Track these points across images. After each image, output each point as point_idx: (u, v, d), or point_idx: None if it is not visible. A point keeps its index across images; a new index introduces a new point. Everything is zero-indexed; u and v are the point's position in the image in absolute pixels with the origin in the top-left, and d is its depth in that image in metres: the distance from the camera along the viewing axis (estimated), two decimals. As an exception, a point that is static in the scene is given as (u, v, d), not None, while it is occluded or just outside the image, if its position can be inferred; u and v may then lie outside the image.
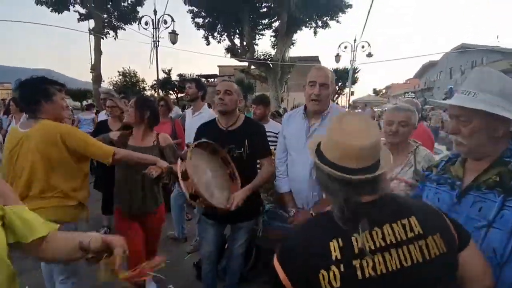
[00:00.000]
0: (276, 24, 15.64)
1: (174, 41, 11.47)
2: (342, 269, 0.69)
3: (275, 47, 15.60)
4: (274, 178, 2.04)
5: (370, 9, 11.19)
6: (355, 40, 14.12)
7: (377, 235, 0.72)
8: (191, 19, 15.66)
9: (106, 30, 18.11)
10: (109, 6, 17.46)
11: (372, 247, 0.71)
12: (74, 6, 16.72)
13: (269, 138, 2.10)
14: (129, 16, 17.75)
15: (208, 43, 16.46)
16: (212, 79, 26.65)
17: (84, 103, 21.26)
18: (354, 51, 14.22)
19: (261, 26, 16.35)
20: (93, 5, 15.98)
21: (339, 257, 0.70)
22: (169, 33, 11.23)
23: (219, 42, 16.53)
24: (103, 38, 17.75)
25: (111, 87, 21.90)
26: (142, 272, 0.96)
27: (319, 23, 15.12)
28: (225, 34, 16.19)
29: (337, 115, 0.83)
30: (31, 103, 1.64)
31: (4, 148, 1.72)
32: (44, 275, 1.96)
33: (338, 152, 0.75)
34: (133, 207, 2.07)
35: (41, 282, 2.04)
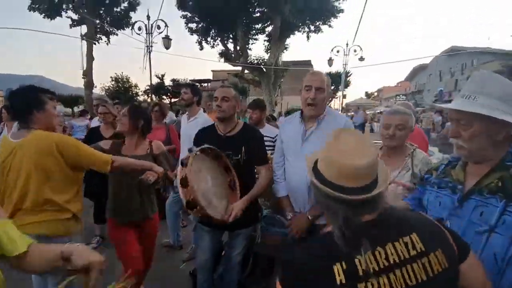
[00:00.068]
0: (269, 29, 15.78)
1: (167, 46, 11.44)
2: None
3: (269, 51, 15.72)
4: (271, 183, 2.03)
5: (362, 14, 11.39)
6: (347, 44, 14.33)
7: (380, 255, 0.71)
8: (185, 24, 15.70)
9: (98, 35, 18.01)
10: (101, 12, 17.38)
11: (376, 268, 0.69)
12: (66, 12, 16.64)
13: (265, 143, 2.09)
14: (122, 21, 17.70)
15: (202, 48, 16.51)
16: (206, 84, 26.66)
17: (76, 109, 21.01)
18: (346, 55, 14.40)
19: (254, 31, 16.47)
20: (85, 10, 15.90)
21: (343, 281, 0.68)
22: (163, 38, 11.21)
23: (212, 47, 16.62)
24: (95, 44, 17.64)
25: (103, 93, 21.69)
26: None
27: (312, 27, 15.33)
28: (219, 39, 16.25)
29: (333, 132, 0.82)
30: (24, 113, 1.60)
31: None
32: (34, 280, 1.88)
33: (336, 171, 0.74)
34: (132, 214, 2.05)
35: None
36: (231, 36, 16.16)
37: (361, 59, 14.39)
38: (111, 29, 17.61)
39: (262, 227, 2.06)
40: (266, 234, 2.01)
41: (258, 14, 15.48)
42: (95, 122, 4.50)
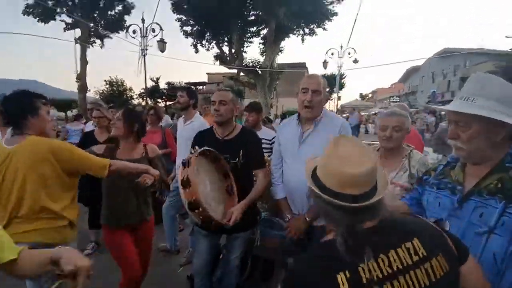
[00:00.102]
0: (264, 31, 15.83)
1: (162, 50, 11.43)
2: None
3: (264, 54, 15.77)
4: (270, 186, 2.02)
5: (356, 18, 11.53)
6: (341, 47, 14.47)
7: (384, 262, 0.70)
8: (180, 27, 15.67)
9: (92, 39, 17.90)
10: (95, 15, 17.29)
11: (380, 276, 0.69)
12: (60, 16, 16.54)
13: (262, 145, 2.09)
14: (117, 24, 17.62)
15: (197, 51, 16.47)
16: (201, 87, 26.60)
17: (69, 113, 20.79)
18: (340, 57, 14.54)
19: (249, 34, 16.51)
20: (79, 14, 15.81)
21: None
22: (158, 41, 11.19)
23: (207, 49, 16.58)
24: (89, 47, 17.53)
25: (97, 97, 21.52)
26: None
27: (306, 30, 15.42)
28: (214, 42, 16.25)
29: (331, 139, 0.82)
30: (18, 118, 1.58)
31: None
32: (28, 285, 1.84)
33: (335, 179, 0.74)
34: (129, 217, 2.03)
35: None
36: (226, 39, 16.18)
37: (355, 61, 14.54)
38: (105, 33, 17.51)
39: (261, 230, 2.05)
40: (264, 237, 2.00)
41: (253, 18, 15.53)
42: (89, 126, 4.45)
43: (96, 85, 28.82)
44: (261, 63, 15.52)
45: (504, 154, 0.97)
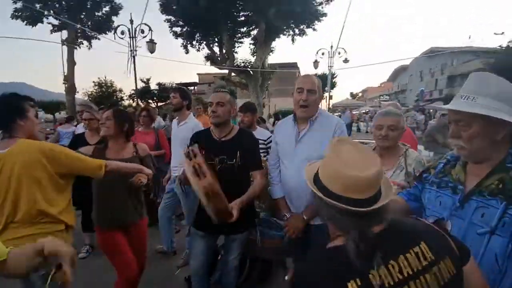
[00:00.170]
0: (254, 32, 15.82)
1: (152, 50, 11.28)
2: None
3: (255, 54, 15.76)
4: (267, 185, 2.03)
5: (345, 20, 11.66)
6: (331, 47, 14.61)
7: (394, 268, 0.69)
8: (169, 28, 15.52)
9: (79, 40, 17.58)
10: (82, 16, 16.98)
11: (391, 283, 0.68)
12: (47, 18, 16.24)
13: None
14: (104, 25, 17.34)
15: (187, 52, 16.35)
16: (192, 87, 26.40)
17: (57, 115, 20.33)
18: (331, 57, 14.68)
19: (239, 34, 16.48)
20: (66, 15, 15.53)
21: None
22: (147, 42, 11.05)
23: (198, 50, 16.47)
24: (76, 48, 17.21)
25: (86, 98, 21.12)
26: None
27: (296, 31, 15.48)
28: (204, 42, 16.15)
29: (332, 143, 0.81)
30: (7, 121, 1.55)
31: None
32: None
33: (341, 183, 0.72)
34: (125, 217, 2.02)
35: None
36: (216, 39, 16.10)
37: (346, 61, 14.70)
38: (92, 34, 17.21)
39: (259, 230, 2.05)
40: (263, 237, 2.00)
41: (243, 18, 15.51)
42: (80, 129, 4.36)
43: (84, 87, 28.20)
44: (252, 63, 15.51)
45: (505, 153, 0.97)
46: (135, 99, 13.31)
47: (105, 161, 1.74)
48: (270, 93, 21.57)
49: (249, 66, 15.51)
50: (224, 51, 15.93)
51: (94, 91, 22.61)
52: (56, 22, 16.45)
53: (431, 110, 15.63)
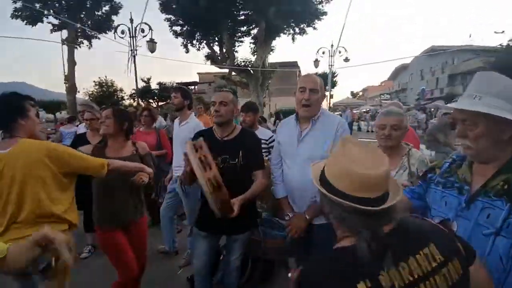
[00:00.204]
0: (254, 31, 15.80)
1: (152, 50, 11.28)
2: None
3: (255, 53, 15.74)
4: (270, 186, 2.02)
5: (345, 18, 11.64)
6: (332, 46, 14.58)
7: (404, 270, 0.69)
8: (169, 27, 15.50)
9: (79, 39, 17.58)
10: (82, 16, 16.98)
11: (401, 284, 0.67)
12: (47, 18, 16.24)
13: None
14: (104, 25, 17.34)
15: (188, 51, 16.33)
16: (193, 87, 26.39)
17: (58, 114, 20.35)
18: (331, 56, 14.65)
19: (239, 34, 16.45)
20: (66, 15, 15.53)
21: None
22: (147, 41, 11.04)
23: (198, 49, 16.45)
24: (76, 48, 17.21)
25: (86, 98, 21.13)
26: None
27: (297, 30, 15.45)
28: (204, 41, 16.13)
29: (339, 142, 0.80)
30: (8, 121, 1.54)
31: None
32: None
33: (353, 182, 0.71)
34: (126, 216, 2.03)
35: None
36: (216, 38, 16.08)
37: (346, 59, 14.68)
38: (92, 33, 17.21)
39: (262, 230, 2.05)
40: (265, 237, 2.00)
41: (243, 17, 15.47)
42: (81, 129, 4.36)
43: (85, 86, 28.21)
44: (252, 62, 15.50)
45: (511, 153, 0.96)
46: (136, 99, 13.32)
47: (108, 160, 1.74)
48: (270, 92, 21.56)
49: (250, 65, 15.50)
50: (224, 50, 15.90)
51: (95, 90, 22.62)
52: (56, 21, 16.46)
53: (432, 109, 15.60)
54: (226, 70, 17.17)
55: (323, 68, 19.48)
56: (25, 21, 15.84)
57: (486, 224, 0.95)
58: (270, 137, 3.01)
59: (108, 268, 2.09)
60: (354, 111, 21.45)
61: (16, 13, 15.67)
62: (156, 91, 24.05)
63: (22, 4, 14.83)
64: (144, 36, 10.82)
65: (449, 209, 1.07)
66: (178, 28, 15.52)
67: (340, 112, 17.48)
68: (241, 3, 14.25)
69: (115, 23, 14.91)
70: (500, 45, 16.68)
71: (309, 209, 1.80)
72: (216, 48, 16.34)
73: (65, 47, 16.49)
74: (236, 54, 16.09)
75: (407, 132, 1.79)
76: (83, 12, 16.88)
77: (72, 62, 16.67)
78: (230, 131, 1.94)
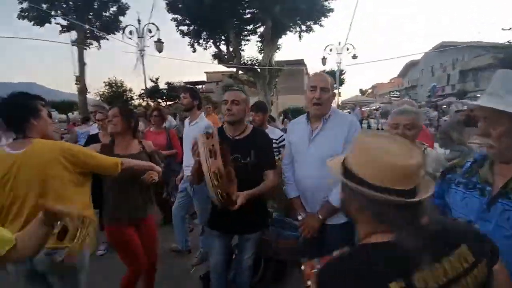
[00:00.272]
0: (261, 29, 15.76)
1: (160, 50, 11.38)
2: None
3: (262, 52, 15.71)
4: (281, 185, 2.02)
5: (353, 15, 11.50)
6: (339, 43, 14.44)
7: (438, 270, 0.66)
8: (176, 27, 15.59)
9: (88, 40, 17.84)
10: (90, 17, 17.21)
11: (435, 286, 0.64)
12: (55, 19, 16.48)
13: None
14: (112, 25, 17.56)
15: (194, 50, 16.40)
16: (200, 86, 26.53)
17: (70, 115, 20.73)
18: (339, 53, 14.51)
19: (246, 32, 16.43)
20: (74, 16, 15.76)
21: None
22: (155, 41, 11.15)
23: (205, 48, 16.51)
24: (85, 49, 17.47)
25: (97, 98, 21.46)
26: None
27: (303, 27, 15.34)
28: (211, 41, 16.17)
29: (360, 134, 0.77)
30: (21, 122, 1.54)
31: None
32: None
33: (390, 174, 0.67)
34: (133, 213, 2.06)
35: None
36: (223, 37, 16.09)
37: (354, 57, 14.51)
38: (101, 34, 17.43)
39: (274, 230, 2.05)
40: (278, 237, 2.00)
41: (249, 16, 15.44)
42: (94, 129, 4.42)
43: (96, 87, 28.63)
44: (259, 61, 15.46)
45: None
46: (145, 99, 13.47)
47: (120, 159, 1.77)
48: (278, 90, 21.48)
49: (257, 64, 15.47)
50: (231, 49, 15.91)
51: (106, 91, 22.95)
52: (64, 22, 16.67)
53: (444, 106, 15.28)
54: (234, 69, 17.18)
55: (330, 65, 19.27)
56: (32, 22, 15.98)
57: (507, 226, 0.94)
58: (280, 137, 3.00)
59: (124, 265, 2.13)
60: (363, 109, 21.20)
61: (22, 14, 15.79)
62: (165, 91, 24.24)
63: (28, 4, 14.96)
64: (151, 36, 10.93)
65: (470, 211, 1.05)
66: (185, 28, 15.61)
67: (349, 110, 17.30)
68: (247, 1, 14.21)
69: (123, 24, 15.11)
70: (508, 41, 16.42)
71: (322, 209, 1.79)
72: (223, 47, 16.38)
73: (75, 48, 16.77)
74: (242, 52, 16.09)
75: (421, 132, 1.76)
76: (91, 13, 17.11)
77: (82, 63, 16.94)
78: (242, 130, 1.94)
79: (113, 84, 23.16)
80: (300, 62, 25.81)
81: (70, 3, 16.26)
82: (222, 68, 18.54)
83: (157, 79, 24.65)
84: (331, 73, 18.52)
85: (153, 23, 10.90)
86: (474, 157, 1.15)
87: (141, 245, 2.10)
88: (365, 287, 0.63)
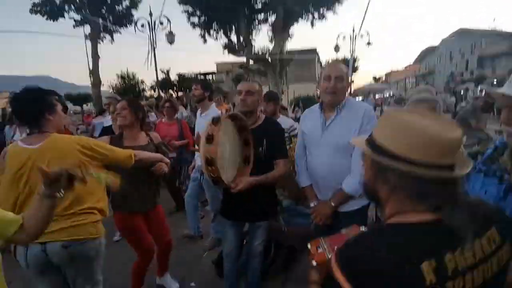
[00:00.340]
0: (272, 18, 15.49)
1: (171, 42, 11.42)
2: None
3: (273, 41, 15.49)
4: (292, 174, 2.03)
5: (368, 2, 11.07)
6: (353, 30, 14.01)
7: (468, 252, 0.64)
8: (187, 19, 15.55)
9: (102, 34, 18.06)
10: (103, 11, 17.36)
11: (464, 266, 0.63)
12: (68, 13, 16.71)
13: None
14: (124, 19, 17.68)
15: (205, 41, 16.36)
16: (211, 77, 26.52)
17: (84, 106, 21.24)
18: (353, 40, 14.10)
19: (257, 22, 16.20)
20: (87, 11, 15.91)
21: (434, 280, 0.59)
22: (166, 34, 11.18)
23: (216, 39, 16.43)
24: (99, 43, 17.71)
25: (110, 90, 21.85)
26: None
27: (316, 14, 14.97)
28: (222, 31, 16.06)
29: (389, 113, 0.74)
30: (35, 116, 1.54)
31: (7, 168, 1.50)
32: None
33: (437, 148, 0.63)
34: (142, 203, 2.13)
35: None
36: (233, 28, 15.94)
37: (369, 43, 14.09)
38: (114, 27, 17.60)
39: (285, 218, 2.07)
40: (289, 225, 2.02)
41: (260, 5, 15.18)
42: (107, 121, 4.51)
43: (109, 79, 29.15)
44: (271, 50, 15.26)
45: None
46: (156, 90, 13.60)
47: (133, 151, 1.80)
48: (288, 79, 21.22)
49: (268, 54, 15.28)
50: (241, 39, 15.76)
51: (118, 83, 23.32)
52: (78, 17, 16.91)
53: (461, 92, 14.72)
54: (244, 59, 17.05)
55: (343, 53, 18.80)
56: (45, 16, 16.19)
57: None
58: (291, 126, 2.99)
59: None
60: (377, 97, 20.69)
61: (35, 8, 15.99)
62: (176, 82, 24.41)
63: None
64: (163, 29, 10.94)
65: (488, 198, 1.03)
66: (195, 19, 15.54)
67: (362, 98, 16.92)
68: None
69: (135, 17, 15.15)
70: None
71: (335, 197, 1.79)
72: (234, 38, 16.24)
73: (89, 42, 17.02)
74: (253, 42, 15.92)
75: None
76: (104, 7, 17.25)
77: (96, 56, 17.21)
78: (255, 120, 1.95)
79: (125, 77, 23.47)
80: (313, 51, 25.29)
81: (84, -3, 16.41)
82: (232, 58, 18.45)
83: (168, 70, 24.82)
84: (344, 61, 18.13)
85: (164, 16, 10.90)
86: (495, 144, 1.12)
87: (151, 232, 2.18)
88: (396, 265, 0.60)
